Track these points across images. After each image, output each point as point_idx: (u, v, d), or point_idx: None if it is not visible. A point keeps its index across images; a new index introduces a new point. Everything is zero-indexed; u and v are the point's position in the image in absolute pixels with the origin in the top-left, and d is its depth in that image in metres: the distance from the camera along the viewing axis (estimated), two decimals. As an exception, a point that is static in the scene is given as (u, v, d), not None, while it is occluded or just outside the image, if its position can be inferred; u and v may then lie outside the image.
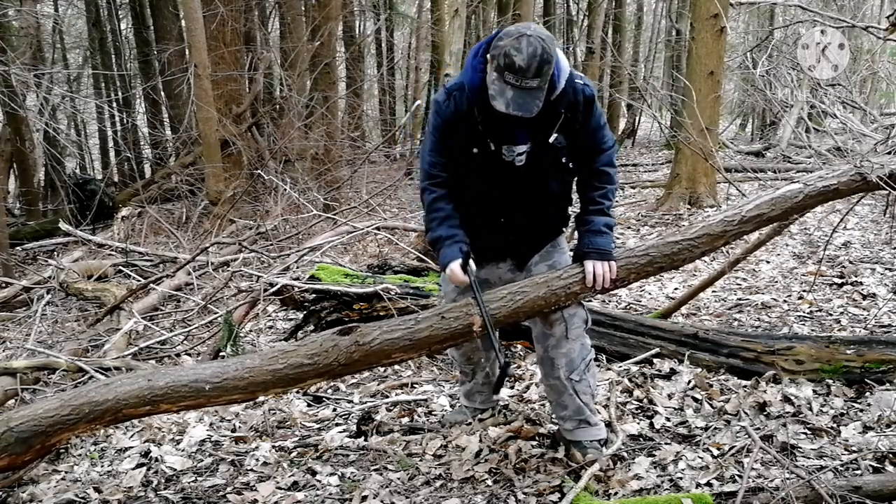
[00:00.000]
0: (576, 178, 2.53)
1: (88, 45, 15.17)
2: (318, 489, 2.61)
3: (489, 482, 2.55)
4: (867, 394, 2.94)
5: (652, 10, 22.26)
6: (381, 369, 3.80)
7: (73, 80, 14.91)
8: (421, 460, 2.75)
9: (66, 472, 2.92)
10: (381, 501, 2.48)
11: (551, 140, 2.35)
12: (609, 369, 3.38)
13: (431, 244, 2.53)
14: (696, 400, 3.04)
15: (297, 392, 3.51)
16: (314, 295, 4.07)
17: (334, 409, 3.42)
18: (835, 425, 2.73)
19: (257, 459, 2.86)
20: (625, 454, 2.65)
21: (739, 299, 4.67)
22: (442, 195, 2.48)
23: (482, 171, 2.42)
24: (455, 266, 2.41)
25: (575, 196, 2.60)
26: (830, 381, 3.05)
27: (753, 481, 2.30)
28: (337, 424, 3.22)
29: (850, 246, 5.78)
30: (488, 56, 2.22)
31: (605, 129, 2.45)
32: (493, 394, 2.97)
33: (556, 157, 2.40)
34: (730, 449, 2.58)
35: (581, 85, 2.35)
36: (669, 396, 3.09)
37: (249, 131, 9.69)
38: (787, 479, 2.22)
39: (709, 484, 2.39)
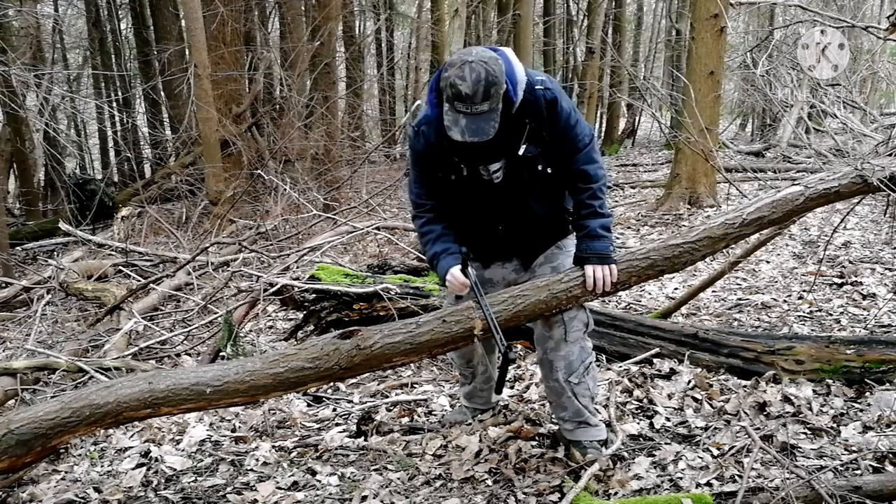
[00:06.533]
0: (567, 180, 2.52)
1: (88, 45, 15.18)
2: (318, 489, 2.61)
3: (489, 482, 2.55)
4: (867, 394, 2.95)
5: (652, 10, 22.27)
6: (381, 370, 3.80)
7: (73, 80, 14.92)
8: (421, 460, 2.75)
9: (66, 472, 2.92)
10: (381, 501, 2.48)
11: (521, 152, 2.35)
12: (609, 369, 3.38)
13: (429, 263, 2.61)
14: (696, 400, 3.04)
15: (297, 392, 3.51)
16: (314, 295, 4.07)
17: (334, 409, 3.43)
18: (835, 425, 2.73)
19: (257, 459, 2.86)
20: (625, 454, 2.65)
21: (739, 299, 4.67)
22: (430, 218, 2.56)
23: (466, 192, 2.47)
24: (455, 271, 2.44)
25: None
26: (830, 381, 3.05)
27: (753, 481, 2.30)
28: (337, 424, 3.22)
29: (850, 246, 5.78)
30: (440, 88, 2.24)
31: (577, 127, 2.39)
32: (496, 393, 2.96)
33: (531, 167, 2.40)
34: (730, 449, 2.58)
35: (541, 90, 2.32)
36: (669, 396, 3.09)
37: (249, 131, 9.70)
38: (787, 479, 2.23)
39: (709, 484, 2.39)
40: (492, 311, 2.38)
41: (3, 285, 6.59)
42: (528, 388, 3.32)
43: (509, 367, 2.34)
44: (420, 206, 2.57)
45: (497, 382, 2.50)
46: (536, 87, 2.32)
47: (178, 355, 4.42)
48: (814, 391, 3.00)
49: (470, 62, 2.16)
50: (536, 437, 2.79)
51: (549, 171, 2.42)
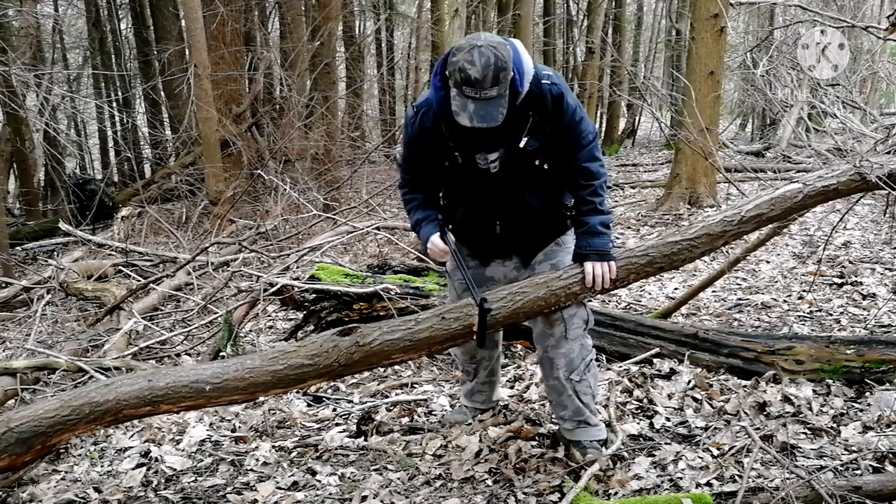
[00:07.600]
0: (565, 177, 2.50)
1: (88, 45, 15.18)
2: (318, 489, 2.61)
3: (489, 482, 2.55)
4: (867, 394, 2.94)
5: (652, 10, 22.28)
6: (381, 369, 3.80)
7: (73, 80, 14.92)
8: (421, 460, 2.75)
9: (66, 472, 2.93)
10: (381, 501, 2.48)
11: (522, 144, 2.35)
12: (609, 369, 3.38)
13: (413, 230, 2.68)
14: (696, 400, 3.04)
15: (297, 392, 3.51)
16: (314, 295, 4.07)
17: (334, 409, 3.43)
18: (835, 425, 2.73)
19: (257, 459, 2.86)
20: (625, 454, 2.64)
21: (739, 299, 4.67)
22: (414, 188, 2.62)
23: (460, 180, 2.47)
24: (434, 238, 2.51)
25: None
26: (830, 381, 3.05)
27: (753, 481, 2.30)
28: (337, 424, 3.22)
29: (850, 246, 5.78)
30: (447, 73, 2.23)
31: (581, 124, 2.39)
32: (478, 346, 2.82)
33: (528, 161, 2.39)
34: (730, 449, 2.58)
35: (548, 85, 2.31)
36: (669, 396, 3.09)
37: (249, 131, 9.70)
38: (787, 479, 2.22)
39: (709, 484, 2.39)
40: (490, 307, 2.39)
41: (3, 285, 6.59)
42: (528, 388, 3.32)
43: (487, 319, 2.34)
44: (405, 180, 2.64)
45: (477, 335, 2.43)
46: (543, 81, 2.31)
47: (178, 355, 4.42)
48: (814, 391, 3.00)
49: (479, 46, 2.14)
50: (536, 437, 2.79)
51: (545, 167, 2.41)
